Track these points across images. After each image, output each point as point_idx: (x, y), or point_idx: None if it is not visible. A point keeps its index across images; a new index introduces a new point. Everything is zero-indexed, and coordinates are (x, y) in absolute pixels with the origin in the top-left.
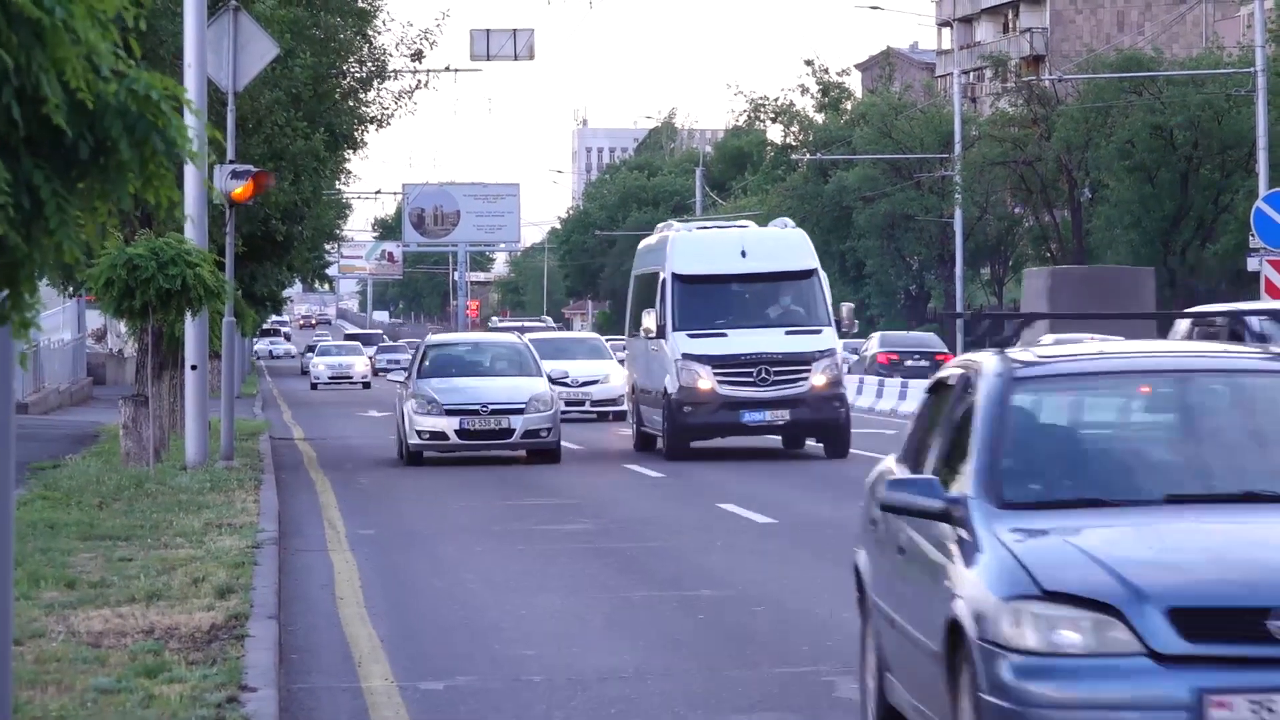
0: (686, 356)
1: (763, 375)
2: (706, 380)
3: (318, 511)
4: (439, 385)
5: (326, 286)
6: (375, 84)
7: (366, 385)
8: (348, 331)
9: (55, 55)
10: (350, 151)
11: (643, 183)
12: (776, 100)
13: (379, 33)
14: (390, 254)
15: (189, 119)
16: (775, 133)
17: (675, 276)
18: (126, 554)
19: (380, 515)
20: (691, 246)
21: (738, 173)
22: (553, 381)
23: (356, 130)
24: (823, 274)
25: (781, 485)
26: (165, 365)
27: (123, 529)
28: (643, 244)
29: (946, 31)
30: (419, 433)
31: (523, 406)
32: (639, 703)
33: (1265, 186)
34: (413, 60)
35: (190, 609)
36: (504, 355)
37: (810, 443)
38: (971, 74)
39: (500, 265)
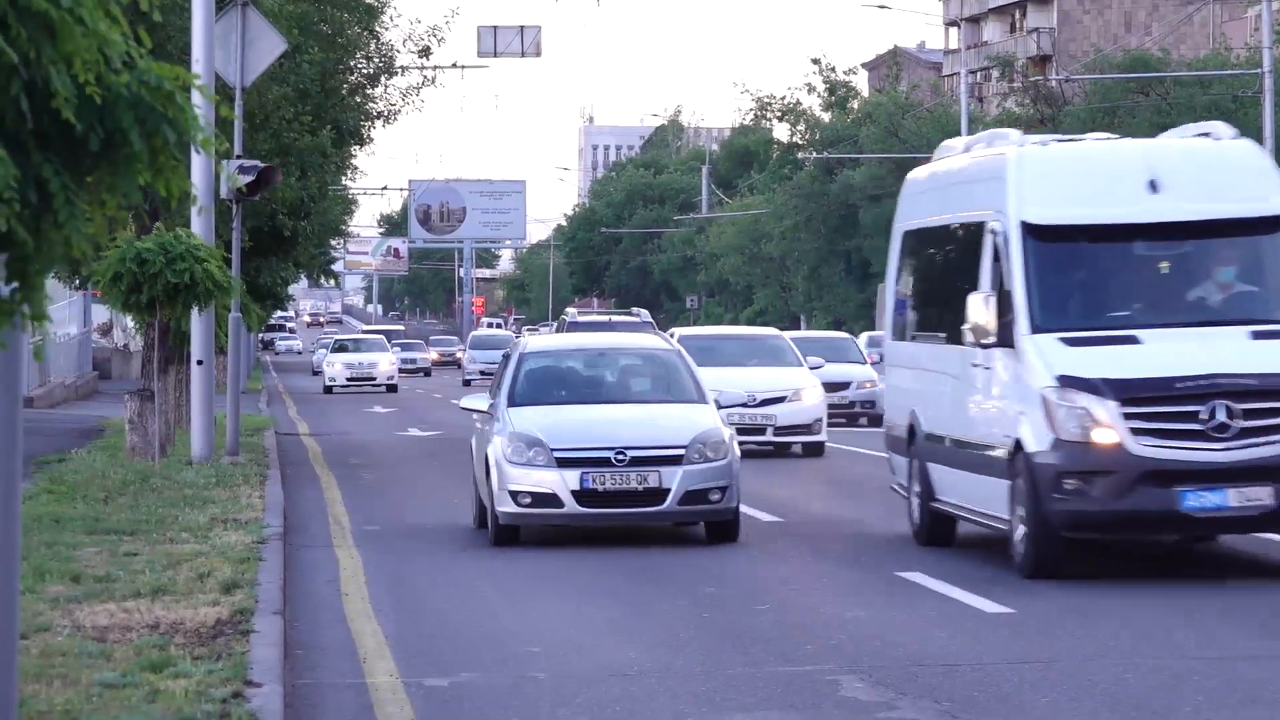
0: (1066, 381)
1: (1219, 419)
2: (1108, 427)
3: (323, 507)
4: (545, 419)
5: (332, 282)
6: (382, 80)
7: (393, 388)
8: (365, 327)
9: (65, 49)
10: (357, 147)
11: (649, 180)
12: (783, 99)
13: (386, 29)
14: (396, 250)
15: (198, 102)
16: (782, 131)
17: (1029, 230)
18: (132, 549)
19: (385, 511)
20: (1055, 174)
21: (744, 171)
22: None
23: (363, 126)
24: None
25: (788, 483)
26: (171, 360)
27: (128, 524)
28: (929, 171)
29: (953, 31)
30: (515, 495)
31: (680, 453)
32: (643, 700)
33: None
34: (420, 57)
35: (195, 604)
36: (645, 370)
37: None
38: (978, 74)
39: (506, 262)
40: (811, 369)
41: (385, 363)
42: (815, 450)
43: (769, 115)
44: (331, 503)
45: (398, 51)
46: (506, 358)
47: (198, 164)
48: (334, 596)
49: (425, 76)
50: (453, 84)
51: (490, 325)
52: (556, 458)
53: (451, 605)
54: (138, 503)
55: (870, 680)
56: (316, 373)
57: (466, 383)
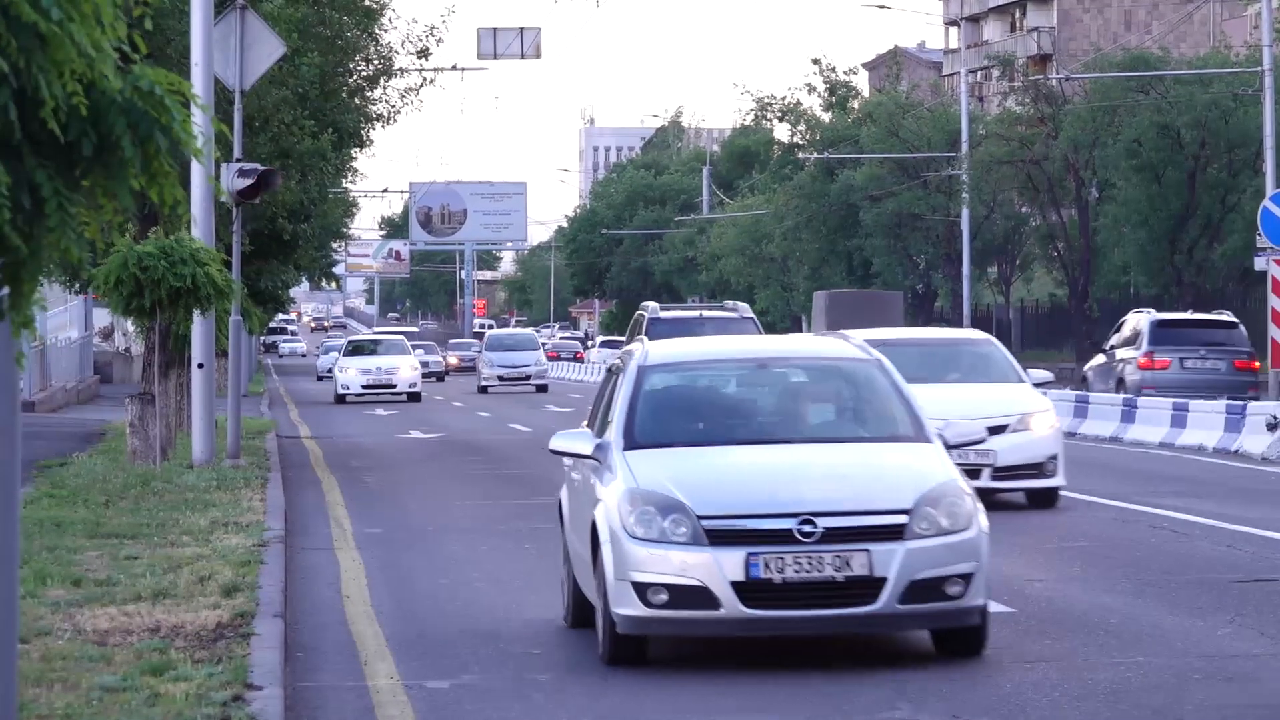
0: None
1: None
2: None
3: (324, 510)
4: (685, 469)
5: (333, 285)
6: (382, 82)
7: (415, 396)
8: (382, 327)
9: (56, 58)
10: (357, 150)
11: (650, 181)
12: (783, 99)
13: (385, 31)
14: (397, 252)
15: (196, 116)
16: (782, 132)
17: None
18: (133, 552)
19: (387, 514)
20: None
21: (745, 171)
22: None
23: (363, 129)
24: None
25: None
26: (172, 363)
27: (129, 527)
28: None
29: (954, 31)
30: (642, 589)
31: (901, 521)
32: (643, 702)
33: (1272, 186)
34: (419, 59)
35: (196, 607)
36: (827, 391)
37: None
38: (978, 73)
39: (507, 264)
40: (1037, 385)
41: (407, 367)
42: (1046, 499)
43: (769, 116)
44: (333, 505)
45: (397, 53)
46: (613, 373)
47: (196, 169)
48: (335, 599)
49: (425, 78)
50: (453, 86)
51: (485, 327)
52: (707, 530)
53: (452, 607)
54: (139, 506)
55: (870, 680)
56: (321, 378)
57: (483, 389)
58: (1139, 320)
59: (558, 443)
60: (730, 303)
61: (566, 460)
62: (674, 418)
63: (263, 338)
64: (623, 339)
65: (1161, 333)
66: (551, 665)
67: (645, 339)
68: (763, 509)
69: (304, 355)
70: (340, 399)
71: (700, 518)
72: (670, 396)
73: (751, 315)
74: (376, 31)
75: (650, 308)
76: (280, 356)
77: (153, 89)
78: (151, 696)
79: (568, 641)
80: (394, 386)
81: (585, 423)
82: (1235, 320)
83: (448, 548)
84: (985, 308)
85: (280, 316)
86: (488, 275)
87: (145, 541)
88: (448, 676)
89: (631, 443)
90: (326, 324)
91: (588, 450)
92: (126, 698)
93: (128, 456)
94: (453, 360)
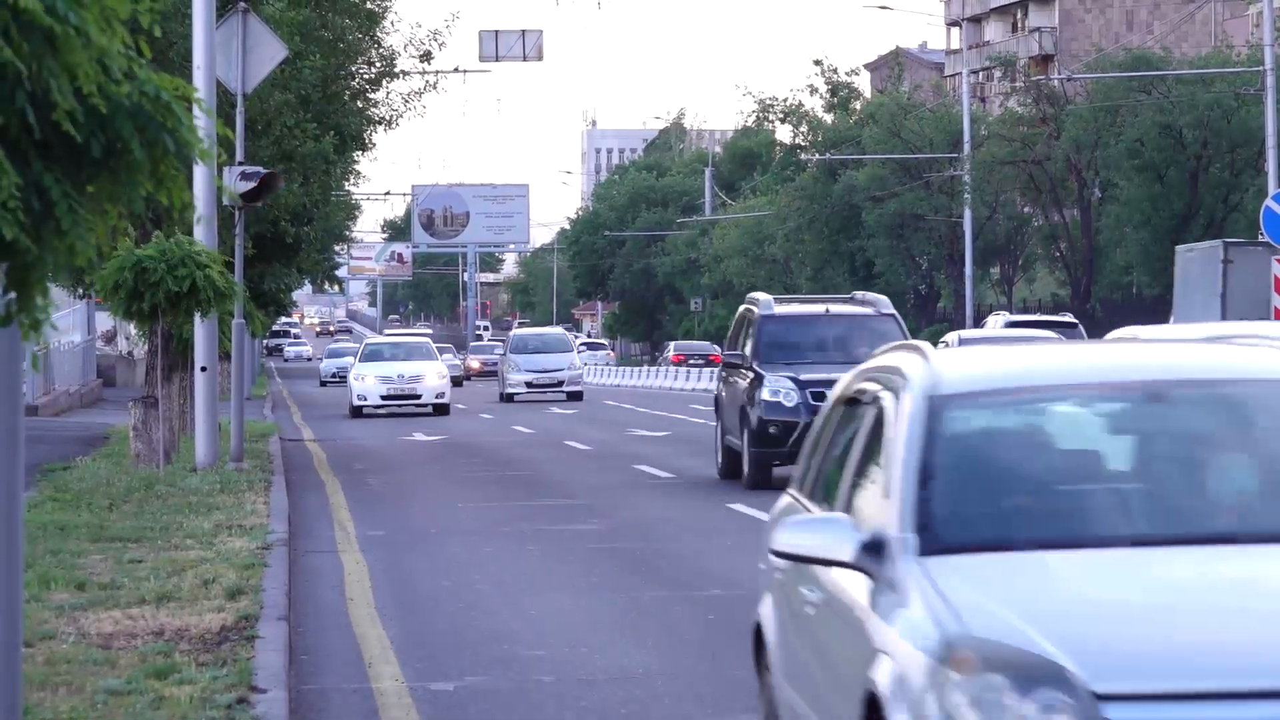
0: None
1: None
2: None
3: (328, 513)
4: (1048, 592)
5: (336, 288)
6: (384, 85)
7: (443, 409)
8: (407, 330)
9: (67, 60)
10: (359, 153)
11: (652, 183)
12: (785, 100)
13: (388, 34)
14: (400, 255)
15: (199, 119)
16: (784, 133)
17: None
18: (136, 556)
19: (390, 516)
20: None
21: (747, 173)
22: None
23: (365, 131)
24: None
25: None
26: (175, 367)
27: (133, 531)
28: None
29: (955, 31)
30: None
31: None
32: (649, 703)
33: (1274, 185)
34: (421, 61)
35: (200, 610)
36: (1266, 440)
37: None
38: (980, 74)
39: (510, 266)
40: None
41: (433, 375)
42: None
43: (771, 117)
44: (336, 508)
45: (399, 56)
46: (861, 404)
47: (200, 173)
48: (339, 602)
49: (427, 81)
50: (455, 88)
51: (483, 329)
52: None
53: (456, 609)
54: (142, 510)
55: None
56: (324, 383)
57: (508, 397)
58: (997, 320)
59: (790, 539)
60: (860, 294)
61: (778, 560)
62: (1009, 493)
63: (265, 341)
64: (604, 343)
65: (1011, 332)
66: (557, 667)
67: (926, 348)
68: (1229, 679)
69: (310, 359)
70: (357, 411)
71: (1101, 697)
72: (995, 454)
73: (893, 312)
74: (379, 35)
75: (762, 301)
76: (286, 360)
77: (159, 94)
78: (156, 700)
79: (571, 643)
80: (418, 397)
81: (795, 488)
82: (1075, 321)
83: (450, 550)
84: (988, 308)
85: (282, 320)
86: (490, 277)
87: (149, 545)
88: (452, 679)
89: (934, 542)
90: (331, 327)
91: (846, 555)
92: (131, 701)
93: (131, 460)
94: (474, 364)
